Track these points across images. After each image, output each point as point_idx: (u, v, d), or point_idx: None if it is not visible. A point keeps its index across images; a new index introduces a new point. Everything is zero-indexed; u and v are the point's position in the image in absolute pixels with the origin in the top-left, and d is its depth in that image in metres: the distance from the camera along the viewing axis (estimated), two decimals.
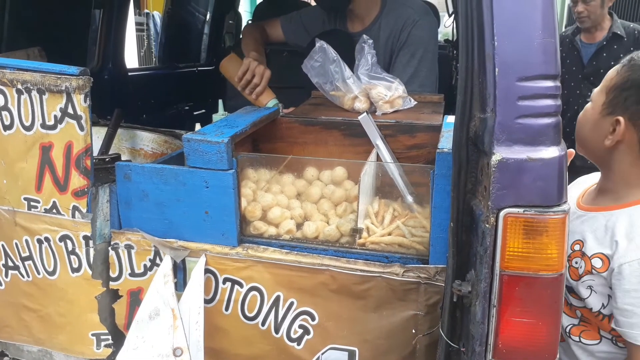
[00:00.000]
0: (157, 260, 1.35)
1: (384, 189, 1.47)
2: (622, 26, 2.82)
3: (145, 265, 1.36)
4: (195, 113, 3.50)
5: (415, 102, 1.71)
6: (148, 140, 2.07)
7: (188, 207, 1.31)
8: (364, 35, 1.68)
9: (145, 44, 7.26)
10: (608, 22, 2.85)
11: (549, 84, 0.92)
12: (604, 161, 1.21)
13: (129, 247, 1.36)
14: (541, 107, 0.92)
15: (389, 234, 1.32)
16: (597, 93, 1.20)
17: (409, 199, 1.42)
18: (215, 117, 1.67)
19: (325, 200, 1.46)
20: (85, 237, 1.32)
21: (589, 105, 1.22)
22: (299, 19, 2.32)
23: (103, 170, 1.45)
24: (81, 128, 1.26)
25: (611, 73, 1.17)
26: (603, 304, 1.15)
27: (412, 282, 1.20)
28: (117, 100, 2.74)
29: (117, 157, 1.54)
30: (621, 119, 1.13)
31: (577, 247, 1.20)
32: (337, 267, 1.24)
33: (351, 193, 1.45)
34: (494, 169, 0.93)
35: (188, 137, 1.27)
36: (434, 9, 3.21)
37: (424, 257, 1.24)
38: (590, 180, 1.32)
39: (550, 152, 0.92)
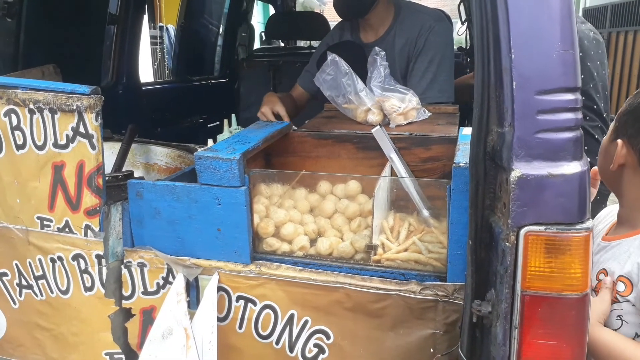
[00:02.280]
0: (170, 278, 1.34)
1: (399, 202, 1.44)
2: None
3: (158, 284, 1.35)
4: (209, 125, 3.50)
5: (430, 114, 1.68)
6: (162, 154, 2.07)
7: (200, 225, 1.29)
8: (376, 47, 1.66)
9: (159, 57, 7.33)
10: None
11: (569, 97, 0.89)
12: (615, 187, 1.21)
13: (141, 265, 1.35)
14: (561, 121, 0.89)
15: (405, 250, 1.28)
16: (613, 122, 1.22)
17: (425, 213, 1.39)
18: (220, 137, 1.65)
19: (339, 215, 1.43)
20: (98, 256, 1.31)
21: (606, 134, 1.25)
22: (309, 68, 2.31)
23: (116, 187, 1.44)
24: (93, 147, 1.25)
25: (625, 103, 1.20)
26: (637, 333, 1.10)
27: (429, 300, 1.17)
28: (132, 115, 2.75)
29: (130, 174, 1.53)
30: (620, 141, 1.14)
31: (602, 277, 1.17)
32: (352, 285, 1.21)
33: (365, 207, 1.42)
34: (513, 186, 0.89)
35: (200, 154, 1.26)
36: (446, 17, 3.19)
37: (442, 274, 1.20)
38: (613, 214, 1.29)
39: (571, 167, 0.89)
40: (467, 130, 1.39)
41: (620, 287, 1.12)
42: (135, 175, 2.04)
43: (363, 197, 1.47)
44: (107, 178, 1.50)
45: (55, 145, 1.28)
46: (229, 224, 1.27)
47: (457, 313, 1.15)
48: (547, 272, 0.91)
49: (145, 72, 7.03)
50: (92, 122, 1.24)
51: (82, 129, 1.25)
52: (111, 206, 1.32)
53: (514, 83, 0.89)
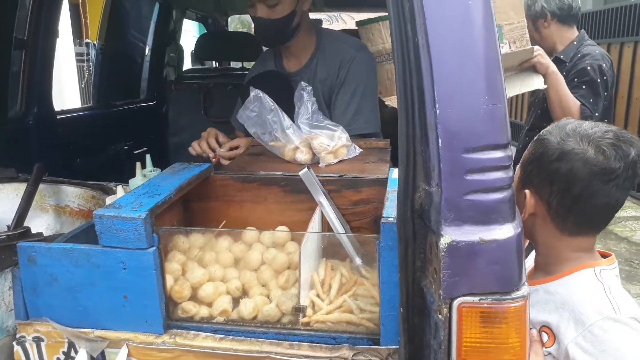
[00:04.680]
0: (72, 353, 1.16)
1: (331, 249, 1.34)
2: (578, 49, 2.49)
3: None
4: (135, 152, 3.29)
5: (361, 150, 1.60)
6: (74, 195, 1.88)
7: (104, 292, 1.13)
8: (302, 82, 1.57)
9: (86, 76, 6.94)
10: (561, 47, 2.53)
11: (499, 154, 0.82)
12: (529, 235, 1.19)
13: (37, 340, 1.17)
14: (492, 180, 0.82)
15: (338, 308, 1.18)
16: (517, 168, 1.20)
17: (358, 261, 1.30)
18: (132, 182, 1.50)
19: (266, 267, 1.31)
20: None
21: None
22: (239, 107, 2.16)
23: (6, 248, 1.25)
24: None
25: (527, 150, 1.19)
26: None
27: None
28: (45, 147, 2.52)
29: (26, 232, 1.34)
30: (527, 192, 1.13)
31: None
32: (278, 354, 1.09)
33: (294, 258, 1.31)
34: (443, 254, 0.81)
35: (100, 213, 1.11)
36: None
37: (375, 336, 1.11)
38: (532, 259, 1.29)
39: (504, 231, 0.82)
40: (396, 173, 1.31)
41: (544, 337, 1.10)
42: (42, 221, 1.84)
43: (292, 246, 1.36)
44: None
45: None
46: (137, 290, 1.12)
47: None
48: (484, 345, 0.84)
49: (71, 93, 6.64)
50: None
51: None
52: None
53: (440, 140, 0.82)
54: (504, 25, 2.00)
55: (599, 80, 2.30)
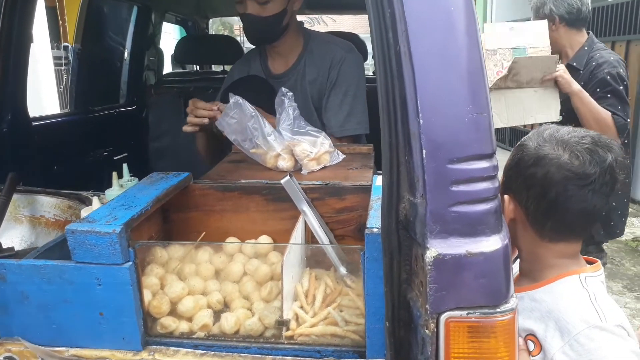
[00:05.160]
0: None
1: (315, 258, 1.31)
2: (590, 55, 2.43)
3: None
4: (115, 158, 3.22)
5: (344, 156, 1.58)
6: (50, 206, 1.82)
7: (79, 309, 1.09)
8: (283, 88, 1.53)
9: (65, 80, 6.79)
10: (571, 51, 2.48)
11: (484, 164, 0.80)
12: (513, 241, 1.18)
13: None
14: (478, 191, 0.80)
15: (323, 319, 1.15)
16: (502, 174, 1.20)
17: (342, 270, 1.27)
18: (109, 193, 1.45)
19: (248, 278, 1.28)
20: None
21: None
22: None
23: None
24: None
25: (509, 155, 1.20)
26: None
27: None
28: (20, 156, 2.44)
29: None
30: (507, 197, 1.13)
31: None
32: None
33: (277, 269, 1.27)
34: (429, 267, 0.79)
35: (72, 228, 1.06)
36: (363, 45, 3.15)
37: (361, 348, 1.08)
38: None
39: (491, 243, 0.80)
40: (380, 180, 1.29)
41: (531, 346, 1.09)
42: (16, 233, 1.78)
43: (275, 256, 1.32)
44: None
45: None
46: (113, 307, 1.08)
47: None
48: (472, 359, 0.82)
49: (50, 96, 6.50)
50: None
51: None
52: None
53: (424, 151, 0.79)
54: (527, 48, 2.00)
55: (620, 87, 2.27)
